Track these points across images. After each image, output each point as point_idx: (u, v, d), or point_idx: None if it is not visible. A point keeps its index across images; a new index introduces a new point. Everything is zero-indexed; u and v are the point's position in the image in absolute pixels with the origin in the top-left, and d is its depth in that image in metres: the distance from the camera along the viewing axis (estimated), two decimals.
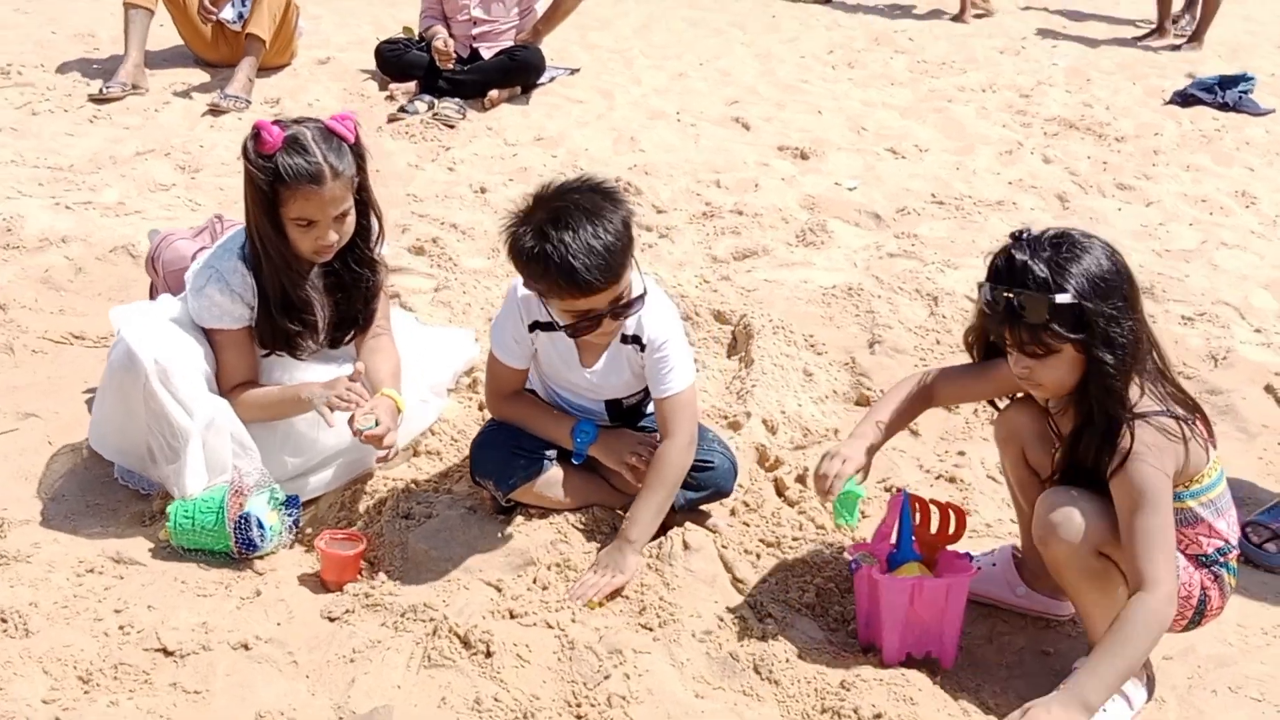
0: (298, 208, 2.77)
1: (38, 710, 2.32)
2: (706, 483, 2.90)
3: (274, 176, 2.74)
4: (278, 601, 2.70)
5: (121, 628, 2.55)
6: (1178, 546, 2.43)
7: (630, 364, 2.84)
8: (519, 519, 2.88)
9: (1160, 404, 2.37)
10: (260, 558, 2.83)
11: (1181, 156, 6.21)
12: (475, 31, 6.40)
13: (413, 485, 3.08)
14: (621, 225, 2.55)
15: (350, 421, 2.81)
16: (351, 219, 2.89)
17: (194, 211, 4.76)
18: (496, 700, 2.39)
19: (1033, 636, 2.78)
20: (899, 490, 2.76)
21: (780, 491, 3.18)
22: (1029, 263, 2.29)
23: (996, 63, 7.94)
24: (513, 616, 2.61)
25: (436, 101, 6.11)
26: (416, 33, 6.55)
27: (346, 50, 7.10)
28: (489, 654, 2.48)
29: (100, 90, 5.98)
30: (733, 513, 3.06)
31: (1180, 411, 2.38)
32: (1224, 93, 7.03)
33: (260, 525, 2.79)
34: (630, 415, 2.98)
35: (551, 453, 2.88)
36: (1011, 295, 2.28)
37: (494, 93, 6.29)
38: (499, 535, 2.84)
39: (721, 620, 2.66)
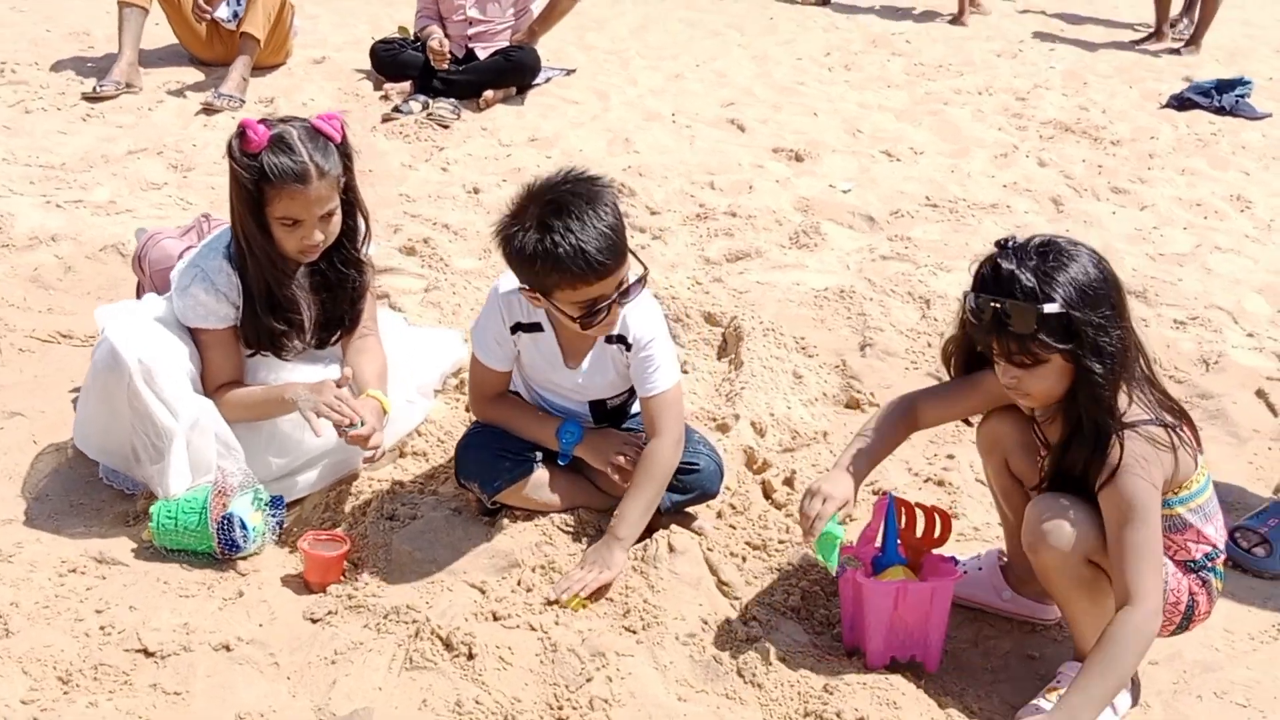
0: (283, 207, 2.76)
1: (16, 711, 2.31)
2: (692, 485, 2.89)
3: (259, 175, 2.73)
4: (260, 602, 2.69)
5: (102, 628, 2.54)
6: (1166, 552, 2.42)
7: (615, 364, 2.83)
8: (504, 521, 2.87)
9: (1149, 411, 2.35)
10: (243, 558, 2.82)
11: (1177, 160, 6.20)
12: (471, 32, 6.39)
13: (398, 487, 3.07)
14: (614, 207, 2.57)
15: (337, 426, 2.80)
16: (338, 219, 2.88)
17: (185, 210, 4.75)
18: (478, 703, 2.37)
19: (1018, 641, 2.77)
20: (884, 494, 2.75)
21: (768, 494, 3.17)
22: (1016, 272, 2.26)
23: (993, 65, 7.93)
24: (496, 618, 2.60)
25: (431, 101, 6.11)
26: (412, 32, 6.55)
27: (342, 50, 7.09)
28: (471, 656, 2.47)
29: (94, 88, 5.97)
30: (719, 515, 3.05)
31: (1168, 419, 2.37)
32: (1221, 96, 7.02)
33: (243, 526, 2.78)
34: (615, 416, 2.97)
35: (537, 455, 2.87)
36: (998, 305, 2.26)
37: (489, 93, 6.29)
38: (484, 537, 2.83)
39: (705, 623, 2.65)
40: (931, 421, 2.69)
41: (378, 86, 6.43)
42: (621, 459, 2.82)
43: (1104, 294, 2.28)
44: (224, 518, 2.76)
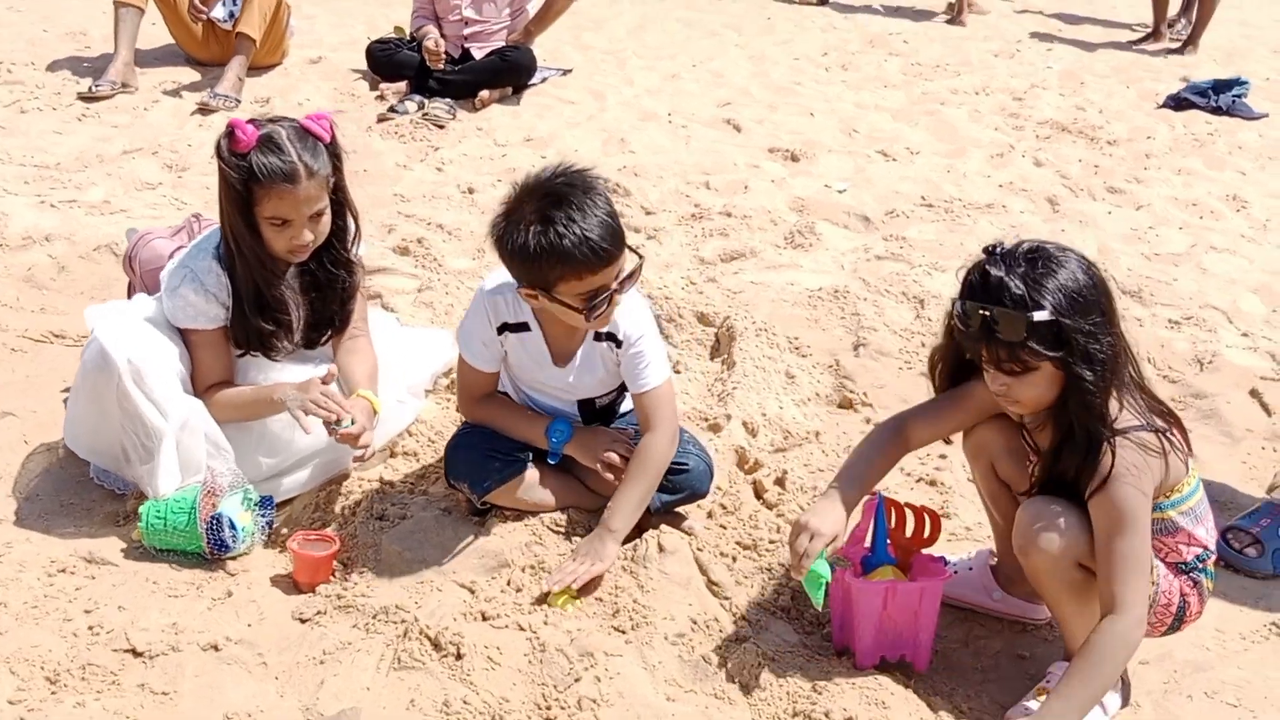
0: (272, 207, 2.76)
1: (3, 711, 2.30)
2: (681, 485, 2.89)
3: (248, 175, 2.72)
4: (249, 603, 2.68)
5: (91, 628, 2.54)
6: (1158, 555, 2.42)
7: (605, 361, 2.82)
8: (494, 521, 2.86)
9: (1139, 416, 2.34)
10: (233, 558, 2.82)
11: (1173, 160, 6.20)
12: (467, 31, 6.39)
13: (388, 487, 3.07)
14: (606, 196, 2.59)
15: (326, 423, 2.80)
16: (327, 219, 2.88)
17: (180, 210, 4.75)
18: (465, 703, 2.37)
19: (1009, 640, 2.77)
20: (875, 493, 2.74)
21: (759, 494, 3.17)
22: (1005, 279, 2.23)
23: (991, 66, 7.92)
24: (485, 619, 2.60)
25: (427, 101, 6.10)
26: (408, 32, 6.54)
27: (338, 50, 7.09)
28: (459, 656, 2.47)
29: (89, 88, 5.97)
30: (710, 515, 3.04)
31: (1159, 423, 2.36)
32: (1217, 97, 7.02)
33: (232, 526, 2.78)
34: (604, 415, 2.97)
35: (526, 454, 2.86)
36: (987, 313, 2.23)
37: (485, 93, 6.28)
38: (473, 537, 2.82)
39: (695, 623, 2.64)
40: (923, 441, 2.64)
41: (374, 86, 6.43)
42: (612, 456, 2.82)
43: (1094, 300, 2.26)
44: (213, 518, 2.76)
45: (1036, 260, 2.25)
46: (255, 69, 6.37)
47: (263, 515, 2.88)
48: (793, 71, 7.53)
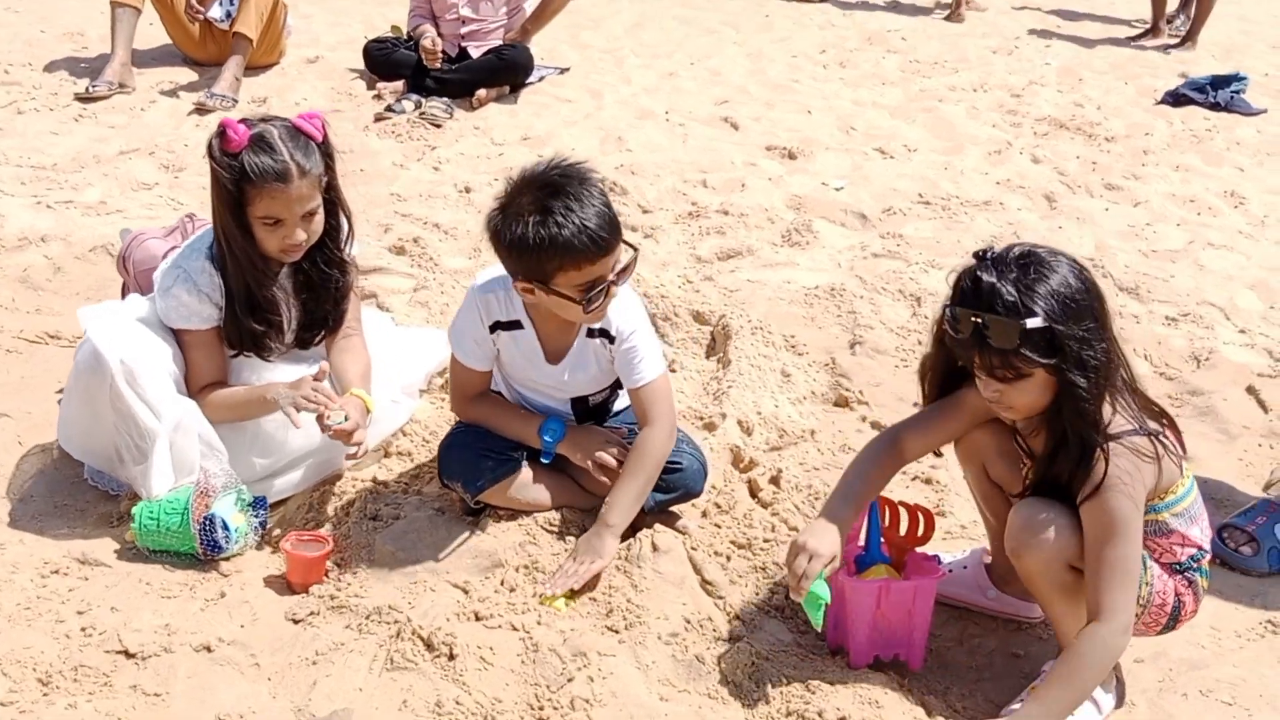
0: (264, 206, 2.76)
1: None
2: (675, 484, 2.88)
3: (240, 175, 2.72)
4: (242, 603, 2.68)
5: (83, 629, 2.54)
6: (1153, 556, 2.42)
7: (598, 358, 2.82)
8: (487, 521, 2.86)
9: (1132, 420, 2.33)
10: (226, 559, 2.82)
11: (1171, 156, 6.19)
12: (464, 30, 6.39)
13: (382, 487, 3.06)
14: (600, 186, 2.60)
15: (319, 418, 2.80)
16: (320, 218, 2.87)
17: (176, 211, 4.74)
18: (458, 703, 2.37)
19: (1003, 639, 2.76)
20: None
21: (754, 493, 3.16)
22: (997, 285, 2.20)
23: (989, 62, 7.91)
24: (478, 619, 2.59)
25: (424, 101, 6.10)
26: (405, 31, 6.54)
27: (336, 49, 7.09)
28: (452, 656, 2.47)
29: (86, 89, 5.97)
30: (704, 514, 3.03)
31: (1152, 425, 2.35)
32: (1216, 93, 7.00)
33: (225, 527, 2.77)
34: (597, 414, 2.97)
35: (520, 454, 2.86)
36: (979, 320, 2.21)
37: (482, 92, 6.28)
38: (467, 536, 2.82)
39: (689, 623, 2.64)
40: (918, 453, 2.61)
41: (371, 86, 6.42)
42: (604, 456, 2.81)
43: (1086, 305, 2.24)
44: (206, 519, 2.75)
45: (1028, 265, 2.23)
46: (252, 69, 6.36)
47: (256, 516, 2.88)
48: (790, 69, 7.52)
